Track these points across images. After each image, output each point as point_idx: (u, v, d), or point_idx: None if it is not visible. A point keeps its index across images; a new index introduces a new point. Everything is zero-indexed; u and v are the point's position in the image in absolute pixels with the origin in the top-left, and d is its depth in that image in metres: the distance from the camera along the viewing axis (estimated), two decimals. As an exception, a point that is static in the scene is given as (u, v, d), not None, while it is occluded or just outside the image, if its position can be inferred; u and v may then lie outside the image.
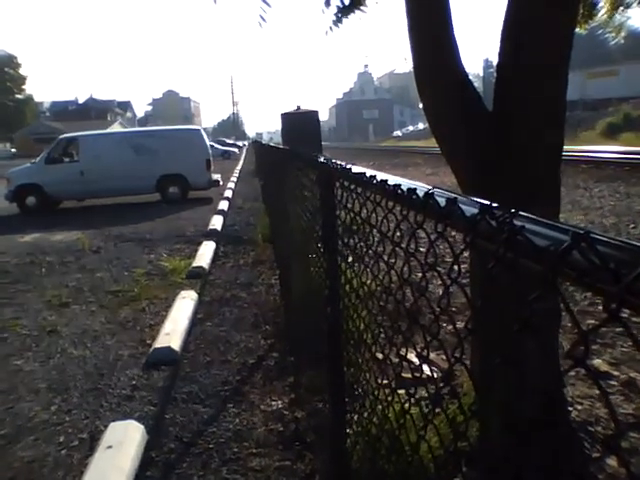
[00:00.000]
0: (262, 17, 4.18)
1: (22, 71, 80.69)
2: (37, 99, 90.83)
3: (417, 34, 2.96)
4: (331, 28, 4.71)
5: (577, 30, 4.07)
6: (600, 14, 5.19)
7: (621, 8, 5.30)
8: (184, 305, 6.07)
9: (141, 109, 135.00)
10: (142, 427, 3.62)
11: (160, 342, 4.97)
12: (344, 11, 4.60)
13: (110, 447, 3.31)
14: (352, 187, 1.74)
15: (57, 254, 9.54)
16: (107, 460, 3.19)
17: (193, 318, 5.85)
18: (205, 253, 8.75)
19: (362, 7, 4.60)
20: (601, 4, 5.06)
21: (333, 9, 4.60)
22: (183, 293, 6.50)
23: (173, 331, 5.21)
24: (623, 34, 6.51)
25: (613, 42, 65.60)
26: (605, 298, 0.52)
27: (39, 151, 18.25)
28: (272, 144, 10.83)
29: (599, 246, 0.55)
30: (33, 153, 25.82)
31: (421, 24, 2.94)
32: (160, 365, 4.66)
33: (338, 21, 4.65)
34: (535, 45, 2.56)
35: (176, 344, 4.96)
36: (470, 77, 3.06)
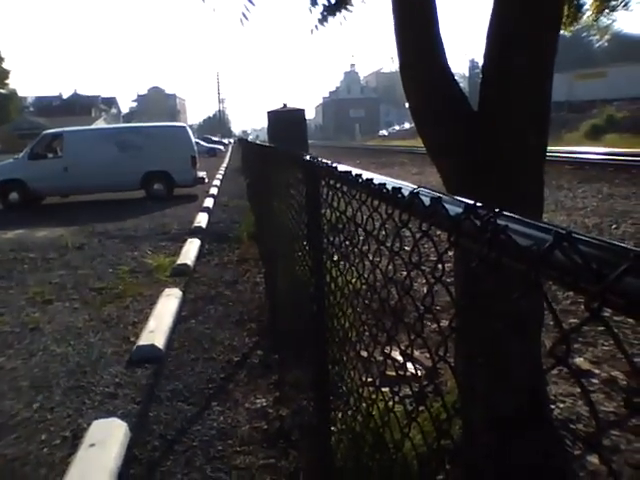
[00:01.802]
0: (245, 15, 4.16)
1: (5, 65, 79.78)
2: (21, 94, 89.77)
3: (403, 33, 2.97)
4: (316, 27, 4.71)
5: (563, 32, 4.11)
6: (586, 16, 5.24)
7: (606, 11, 5.35)
8: (168, 303, 6.04)
9: (126, 105, 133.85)
10: (125, 425, 3.59)
11: (144, 339, 4.94)
12: (330, 10, 4.60)
13: (93, 445, 3.29)
14: (338, 186, 1.75)
15: (40, 251, 9.45)
16: (90, 458, 3.18)
17: (177, 316, 5.83)
18: (190, 250, 8.72)
19: (348, 6, 4.61)
20: (586, 7, 5.11)
21: (319, 8, 4.61)
22: (167, 291, 6.48)
23: (157, 329, 5.19)
24: (607, 37, 6.57)
25: (597, 45, 66.29)
26: (587, 297, 0.52)
27: (23, 147, 18.05)
28: (258, 142, 10.80)
29: (581, 246, 0.55)
30: (17, 149, 25.54)
31: (407, 23, 2.95)
32: (144, 363, 4.64)
33: (324, 20, 4.65)
34: (521, 45, 2.58)
35: (160, 342, 4.93)
36: (456, 77, 3.08)
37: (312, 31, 4.75)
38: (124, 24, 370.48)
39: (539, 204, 2.77)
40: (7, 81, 79.82)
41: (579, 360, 4.13)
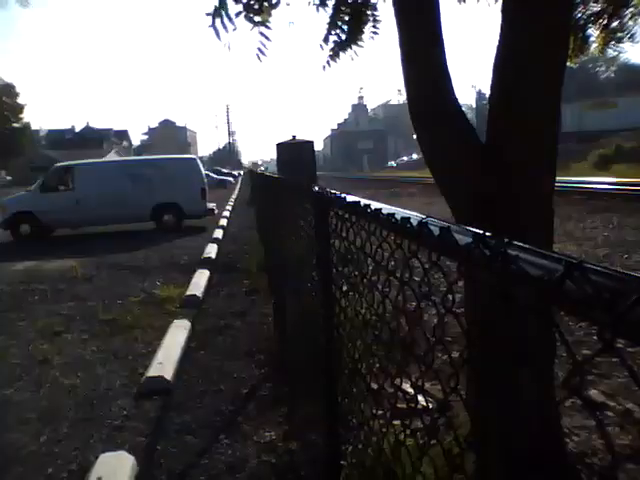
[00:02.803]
0: (262, 51, 4.23)
1: (20, 100, 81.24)
2: (34, 127, 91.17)
3: (410, 66, 3.00)
4: (328, 63, 4.79)
5: (569, 64, 4.14)
6: (592, 48, 5.27)
7: (612, 42, 5.39)
8: (177, 334, 6.02)
9: (137, 138, 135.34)
10: (133, 458, 3.56)
11: (152, 371, 4.91)
12: (341, 46, 4.68)
13: (100, 479, 3.25)
14: (346, 216, 1.75)
15: (50, 282, 9.48)
16: (96, 493, 3.13)
17: (186, 347, 5.80)
18: (199, 282, 8.72)
19: (359, 42, 4.68)
20: (592, 38, 5.15)
21: (331, 44, 4.69)
22: (176, 322, 6.46)
23: (166, 360, 5.16)
24: (614, 67, 6.62)
25: (604, 75, 66.78)
26: (599, 327, 0.52)
27: (35, 179, 18.27)
28: (267, 173, 10.88)
29: (592, 275, 0.55)
30: (29, 181, 25.87)
31: (414, 56, 2.99)
32: (152, 395, 4.61)
33: (335, 55, 4.73)
34: (527, 76, 2.60)
35: (169, 373, 4.91)
36: (463, 108, 3.10)
37: (324, 67, 4.83)
38: (136, 58, 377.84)
39: (549, 234, 2.76)
40: (21, 115, 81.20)
41: (593, 392, 4.06)
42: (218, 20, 3.75)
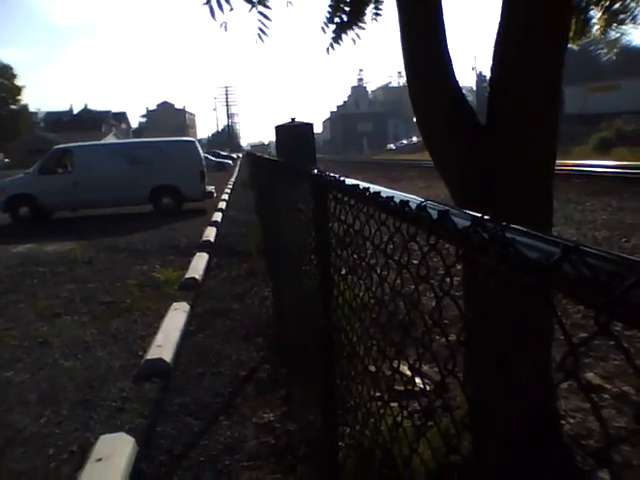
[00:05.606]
0: (263, 31, 4.17)
1: (18, 82, 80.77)
2: (32, 109, 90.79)
3: (410, 46, 2.98)
4: (332, 46, 4.74)
5: (571, 46, 4.11)
6: (594, 30, 5.23)
7: (614, 25, 5.35)
8: (176, 317, 6.05)
9: (136, 120, 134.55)
10: (132, 439, 3.58)
11: (152, 354, 4.94)
12: (343, 27, 4.63)
13: (100, 460, 3.28)
14: (345, 199, 1.75)
15: (49, 265, 9.49)
16: (97, 473, 3.16)
17: (185, 330, 5.83)
18: (198, 264, 8.73)
19: (360, 23, 4.64)
20: (594, 20, 5.10)
21: (332, 26, 4.64)
22: (175, 304, 6.48)
23: (165, 343, 5.19)
24: (616, 50, 6.56)
25: (606, 58, 66.33)
26: (595, 310, 0.52)
27: (33, 162, 18.24)
28: (266, 156, 10.82)
29: (589, 258, 0.55)
30: (27, 164, 25.79)
31: (414, 36, 2.96)
32: (151, 377, 4.63)
33: (338, 38, 4.69)
34: (528, 58, 2.58)
35: (168, 356, 4.93)
36: (463, 91, 3.08)
37: (328, 50, 4.78)
38: (134, 39, 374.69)
39: (548, 217, 2.76)
40: (19, 97, 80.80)
41: (590, 375, 4.09)
42: None
